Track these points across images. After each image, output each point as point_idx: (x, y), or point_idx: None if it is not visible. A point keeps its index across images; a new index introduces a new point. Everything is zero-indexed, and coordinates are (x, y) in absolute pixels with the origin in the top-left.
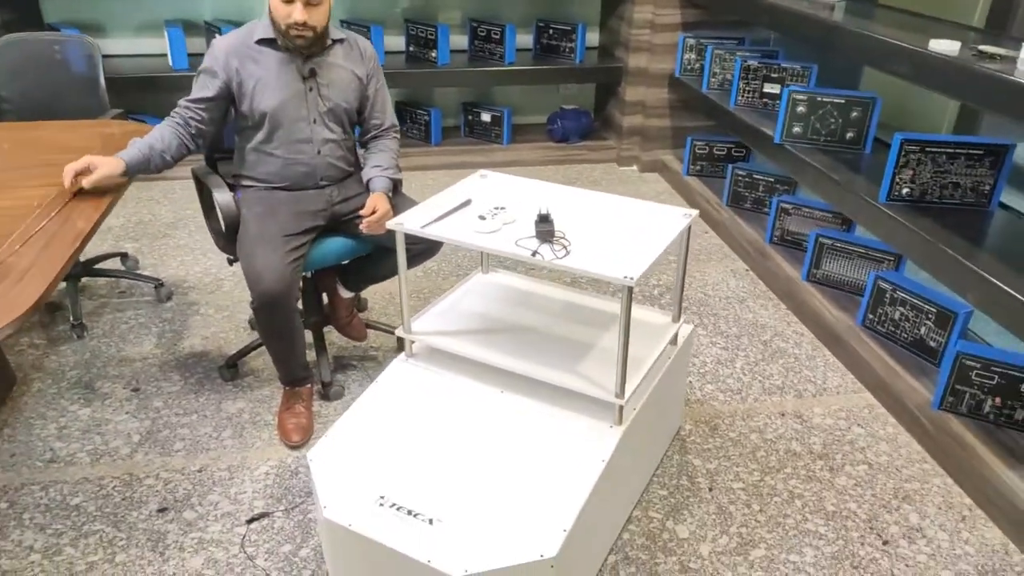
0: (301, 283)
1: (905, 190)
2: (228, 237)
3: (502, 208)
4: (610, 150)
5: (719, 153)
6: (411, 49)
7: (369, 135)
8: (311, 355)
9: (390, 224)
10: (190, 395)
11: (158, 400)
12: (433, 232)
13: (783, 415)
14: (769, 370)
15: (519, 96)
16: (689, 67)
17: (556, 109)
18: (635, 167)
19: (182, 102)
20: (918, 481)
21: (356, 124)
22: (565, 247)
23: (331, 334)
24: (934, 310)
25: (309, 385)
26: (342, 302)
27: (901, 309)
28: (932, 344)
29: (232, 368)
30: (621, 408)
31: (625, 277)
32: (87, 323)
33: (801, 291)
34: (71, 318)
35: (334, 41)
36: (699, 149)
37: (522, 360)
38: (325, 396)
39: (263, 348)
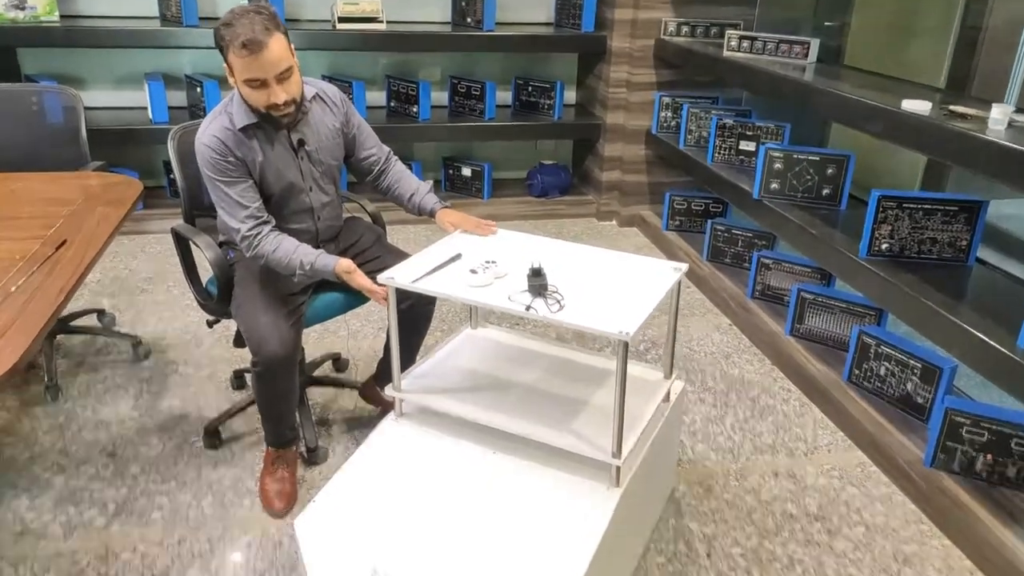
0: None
1: (884, 245)
2: (220, 297)
3: (493, 262)
4: (589, 205)
5: (697, 208)
6: (392, 104)
7: (373, 172)
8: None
9: (382, 278)
10: (169, 460)
11: (135, 466)
12: (425, 287)
13: (776, 475)
14: (759, 428)
15: (499, 151)
16: (665, 124)
17: (535, 164)
18: (614, 222)
19: (242, 216)
20: (916, 543)
21: (344, 167)
22: (558, 301)
23: (312, 392)
24: (919, 365)
25: (295, 448)
26: (389, 403)
27: (886, 364)
28: (919, 400)
29: (212, 436)
30: (618, 469)
31: (621, 332)
32: (62, 384)
33: (785, 346)
34: (45, 378)
35: (310, 100)
36: (677, 204)
37: (514, 419)
38: (309, 460)
39: (245, 410)
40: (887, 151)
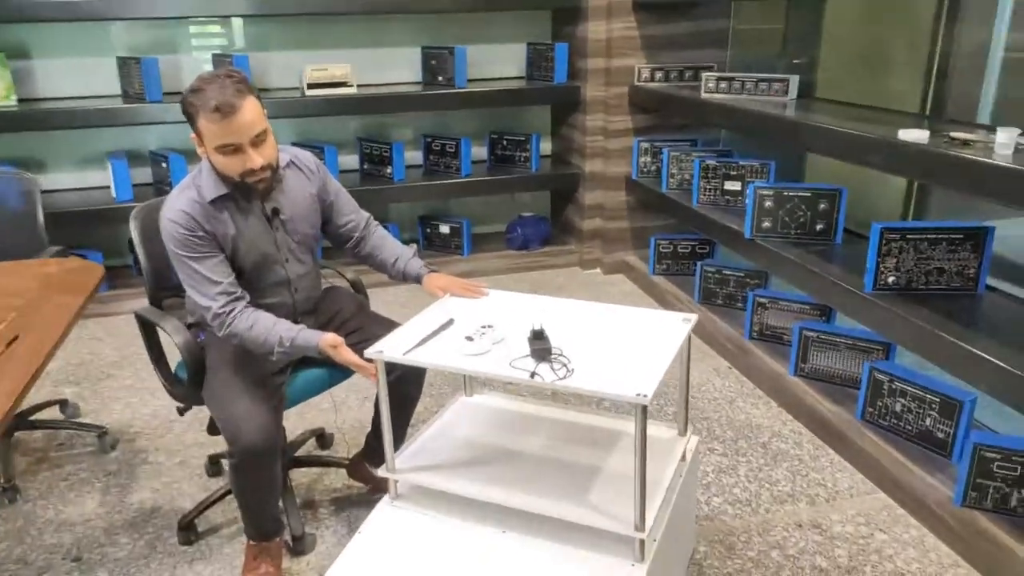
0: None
1: (891, 278)
2: (191, 383)
3: (489, 327)
4: (572, 254)
5: (683, 251)
6: (365, 167)
7: (352, 240)
8: None
9: (371, 354)
10: (140, 561)
11: (103, 570)
12: (418, 358)
13: (800, 526)
14: (775, 476)
15: (476, 207)
16: (645, 169)
17: (514, 217)
18: (598, 269)
19: (214, 293)
20: None
21: (323, 237)
22: (565, 365)
23: (295, 473)
24: (937, 399)
25: (279, 539)
26: (381, 482)
27: (902, 400)
28: (940, 435)
29: (187, 531)
30: (642, 542)
31: (638, 395)
32: (20, 483)
33: (791, 387)
34: (1, 480)
35: (284, 167)
36: (663, 248)
37: (522, 493)
38: (295, 550)
39: (223, 499)
40: (867, 179)
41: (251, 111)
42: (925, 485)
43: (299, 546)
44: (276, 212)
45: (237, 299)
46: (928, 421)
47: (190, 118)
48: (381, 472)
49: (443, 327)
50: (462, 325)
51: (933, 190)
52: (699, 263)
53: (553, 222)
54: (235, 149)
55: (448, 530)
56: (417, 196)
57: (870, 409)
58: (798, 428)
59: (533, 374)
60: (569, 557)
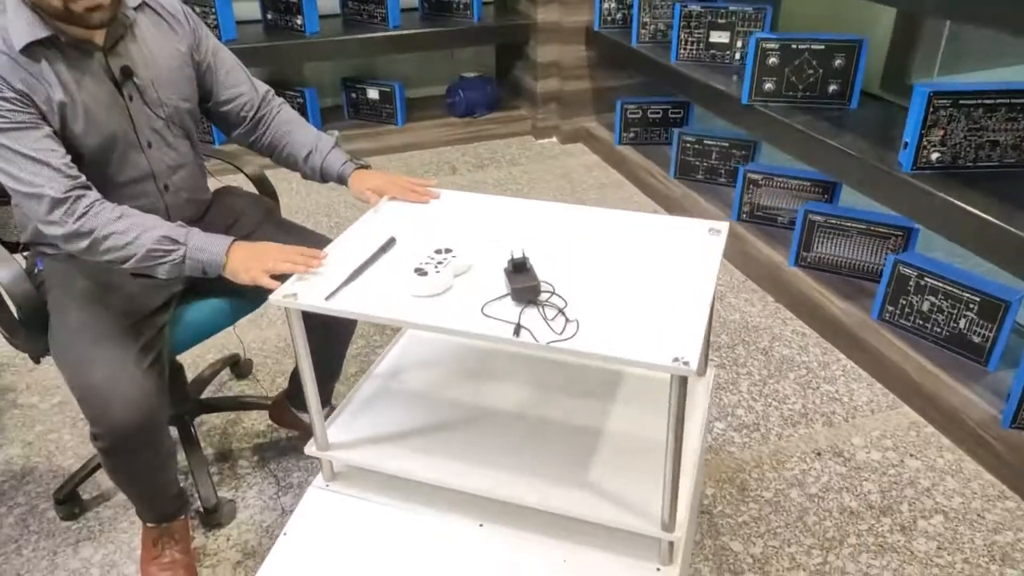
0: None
1: (935, 155)
2: (30, 330)
3: (447, 251)
4: (524, 121)
5: (654, 116)
6: (269, 17)
7: (245, 123)
8: (180, 461)
9: (275, 301)
10: (8, 542)
11: None
12: (347, 306)
13: (819, 455)
14: (782, 390)
15: (410, 66)
16: (610, 18)
17: (455, 78)
18: (555, 138)
19: (47, 175)
20: (1009, 529)
21: (202, 117)
22: (562, 312)
23: (206, 419)
24: (977, 299)
25: (184, 516)
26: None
27: (931, 299)
28: (976, 339)
29: (68, 503)
30: (671, 543)
31: (676, 361)
32: None
33: (792, 279)
34: None
35: (135, 9)
36: (631, 113)
37: (506, 474)
38: (209, 523)
39: None
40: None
41: None
42: (961, 399)
43: (214, 518)
44: (127, 73)
45: (84, 186)
46: (963, 323)
47: None
48: (309, 449)
49: (381, 251)
50: (408, 247)
51: (920, 43)
52: (675, 131)
53: (500, 83)
54: None
55: (403, 524)
56: (336, 53)
57: (890, 308)
58: (801, 328)
59: (519, 328)
60: (571, 561)
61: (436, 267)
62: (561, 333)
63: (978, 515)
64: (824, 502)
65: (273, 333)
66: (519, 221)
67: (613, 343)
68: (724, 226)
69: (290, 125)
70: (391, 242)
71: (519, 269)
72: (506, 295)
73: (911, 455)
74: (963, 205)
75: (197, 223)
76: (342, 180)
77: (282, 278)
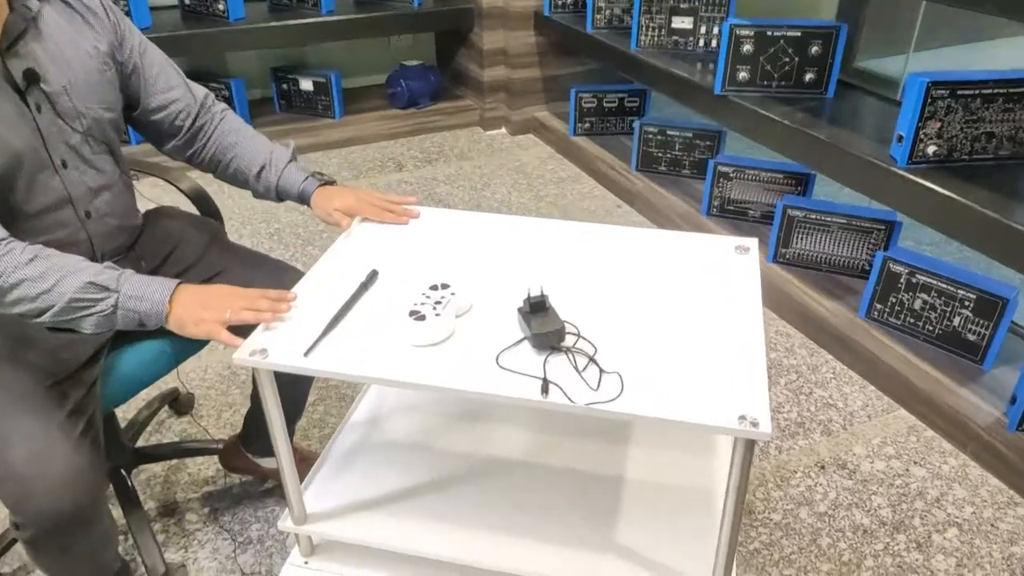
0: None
1: (931, 149)
2: None
3: (444, 286)
4: (471, 112)
5: (609, 105)
6: (187, 2)
7: (183, 133)
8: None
9: (239, 360)
10: None
11: None
12: (331, 364)
13: (822, 468)
14: (775, 397)
15: (344, 55)
16: (560, 2)
17: (395, 67)
18: (504, 129)
19: None
20: None
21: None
22: (593, 361)
23: (146, 469)
24: (973, 296)
25: None
26: (271, 472)
27: (924, 296)
28: (971, 337)
29: None
30: None
31: (744, 421)
32: None
33: (771, 276)
34: None
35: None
36: (586, 103)
37: (518, 539)
38: None
39: None
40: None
41: None
42: (960, 401)
43: None
44: (32, 78)
45: None
46: (956, 321)
47: None
48: (283, 524)
49: (362, 288)
50: (393, 281)
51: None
52: (637, 122)
53: (442, 71)
54: None
55: None
56: (264, 42)
57: (878, 306)
58: (785, 329)
59: (546, 386)
60: None
61: (434, 308)
62: (597, 389)
63: (991, 525)
64: (835, 521)
65: (215, 359)
66: (515, 243)
67: (664, 402)
68: (752, 243)
69: (236, 135)
70: (373, 276)
71: (538, 309)
72: (522, 340)
73: (915, 463)
74: (965, 201)
75: (128, 253)
76: (303, 199)
77: (242, 329)
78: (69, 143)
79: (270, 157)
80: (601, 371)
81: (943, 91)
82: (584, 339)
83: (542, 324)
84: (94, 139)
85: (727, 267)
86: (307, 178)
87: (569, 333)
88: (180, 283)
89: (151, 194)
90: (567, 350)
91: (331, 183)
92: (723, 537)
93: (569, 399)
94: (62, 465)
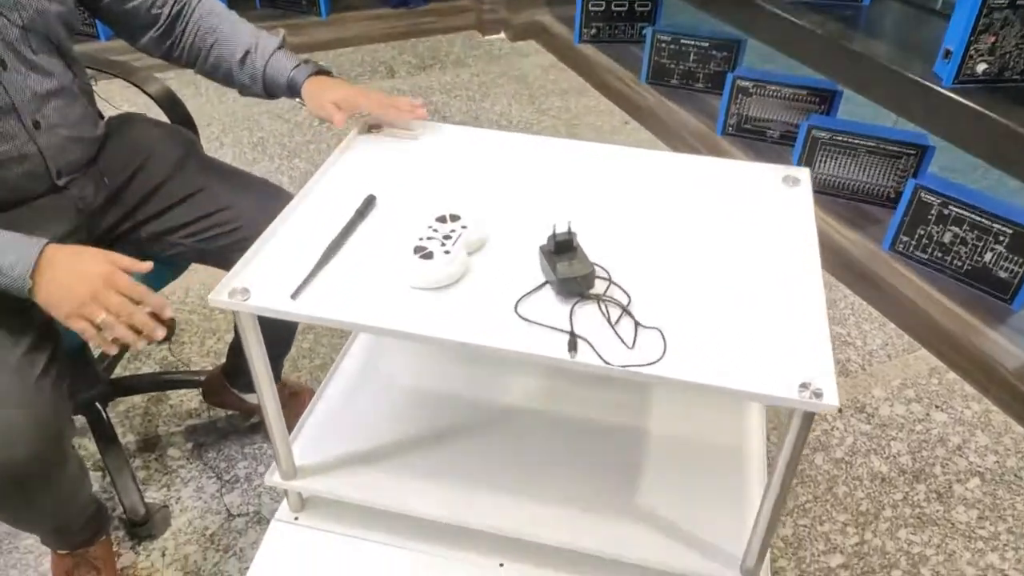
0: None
1: (981, 67)
2: None
3: (454, 218)
4: (467, 13)
5: (619, 9)
6: None
7: (159, 25)
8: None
9: (216, 302)
10: None
11: None
12: (323, 309)
13: (839, 410)
14: None
15: None
16: None
17: None
18: (503, 34)
19: None
20: None
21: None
22: (627, 312)
23: (126, 401)
24: (1009, 230)
25: (105, 536)
26: (258, 408)
27: (955, 229)
28: (1002, 275)
29: None
30: None
31: (805, 390)
32: None
33: None
34: None
35: None
36: (593, 6)
37: (527, 502)
38: (140, 535)
39: None
40: None
41: None
42: (987, 342)
43: (144, 530)
44: None
45: None
46: (988, 256)
47: None
48: (271, 479)
49: (358, 216)
50: (393, 210)
51: None
52: (648, 29)
53: None
54: None
55: (397, 563)
56: None
57: (904, 238)
58: None
59: (573, 342)
60: None
61: (443, 244)
62: (632, 347)
63: (1015, 475)
64: (852, 468)
65: (196, 281)
66: (534, 167)
67: (713, 367)
68: (804, 173)
69: (218, 19)
70: (370, 202)
71: (564, 249)
72: (543, 284)
73: (936, 407)
74: (1016, 127)
75: (88, 169)
76: (293, 90)
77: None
78: (7, 39)
79: (256, 42)
80: (637, 324)
81: (999, 2)
82: (616, 285)
83: (569, 267)
84: (37, 35)
85: (775, 201)
86: (298, 65)
87: (599, 278)
88: (47, 244)
89: (118, 99)
90: (598, 298)
91: (327, 72)
92: (761, 520)
93: (603, 359)
94: (17, 413)
